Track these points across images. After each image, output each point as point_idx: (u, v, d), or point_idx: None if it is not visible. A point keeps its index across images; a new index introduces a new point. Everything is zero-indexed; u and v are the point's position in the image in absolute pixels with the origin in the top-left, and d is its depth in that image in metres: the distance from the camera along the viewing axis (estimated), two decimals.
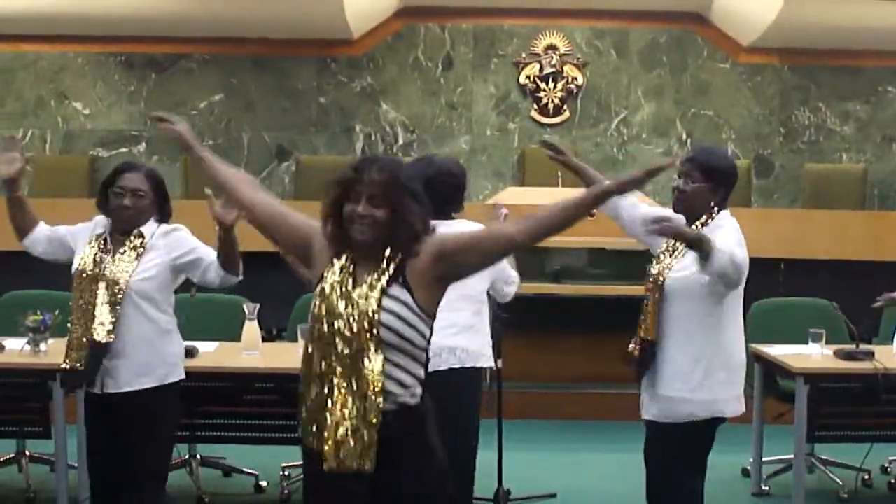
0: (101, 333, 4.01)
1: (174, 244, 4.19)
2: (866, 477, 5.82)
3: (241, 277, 4.26)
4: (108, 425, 4.08)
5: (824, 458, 5.94)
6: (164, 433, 4.18)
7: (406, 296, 2.90)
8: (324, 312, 2.91)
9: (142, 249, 4.11)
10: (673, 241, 4.08)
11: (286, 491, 5.54)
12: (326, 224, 3.02)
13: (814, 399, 5.17)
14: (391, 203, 2.91)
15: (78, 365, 4.04)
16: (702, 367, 3.98)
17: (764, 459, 5.80)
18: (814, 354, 5.37)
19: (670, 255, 4.10)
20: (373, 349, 2.86)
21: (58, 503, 4.99)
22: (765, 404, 5.80)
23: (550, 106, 10.39)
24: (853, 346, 5.42)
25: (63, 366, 4.09)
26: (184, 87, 10.39)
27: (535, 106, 10.40)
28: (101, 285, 4.03)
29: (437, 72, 10.42)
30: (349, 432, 2.85)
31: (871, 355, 5.29)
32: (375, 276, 2.91)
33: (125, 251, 4.10)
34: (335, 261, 2.98)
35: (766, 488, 5.75)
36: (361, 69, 10.40)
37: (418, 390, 2.94)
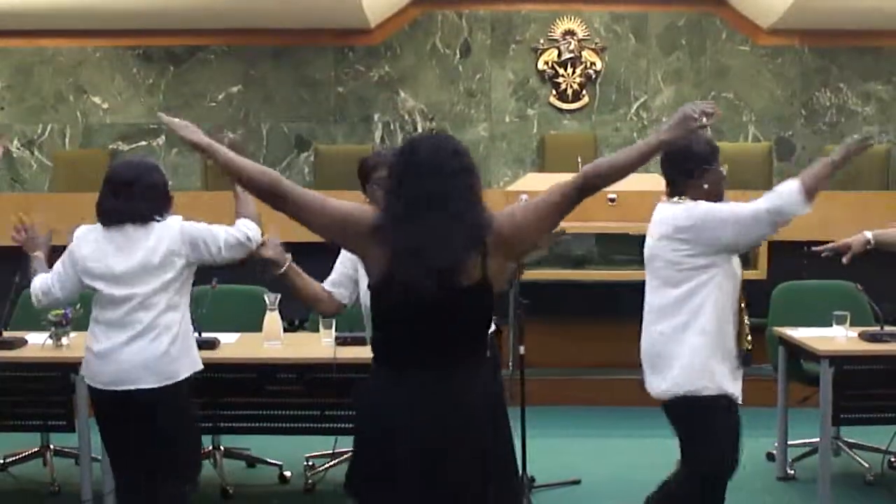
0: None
1: (192, 232, 4.24)
2: (893, 459, 5.79)
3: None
4: (131, 421, 4.06)
5: (850, 441, 5.91)
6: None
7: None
8: (391, 295, 2.94)
9: (146, 246, 4.12)
10: None
11: (310, 481, 5.55)
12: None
13: (839, 381, 5.13)
14: (461, 179, 2.96)
15: None
16: (686, 363, 4.05)
17: (788, 443, 5.77)
18: (838, 337, 5.32)
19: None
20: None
21: (82, 496, 5.01)
22: (789, 387, 5.76)
23: (569, 91, 10.34)
24: (878, 328, 5.39)
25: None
26: (202, 79, 10.40)
27: (554, 92, 10.36)
28: None
29: (454, 59, 10.39)
30: None
31: (895, 337, 5.25)
32: None
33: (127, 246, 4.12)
34: None
35: (792, 472, 5.72)
36: (379, 58, 10.38)
37: (488, 352, 3.09)
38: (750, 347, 4.10)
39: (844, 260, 4.42)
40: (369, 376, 3.10)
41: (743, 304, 4.09)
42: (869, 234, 4.49)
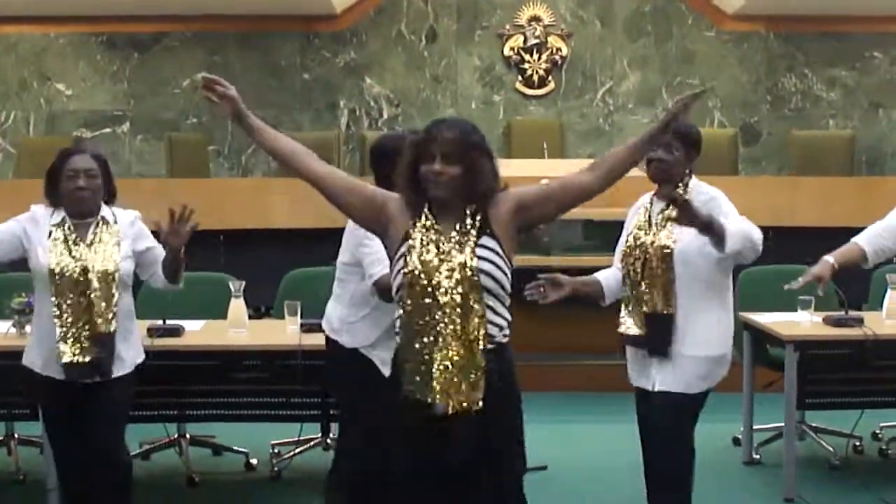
0: (104, 325, 4.04)
1: (139, 235, 4.23)
2: (857, 444, 5.81)
3: (181, 286, 4.28)
4: (77, 412, 4.09)
5: (815, 425, 5.92)
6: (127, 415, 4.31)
7: (495, 244, 3.14)
8: (419, 269, 3.10)
9: (119, 236, 4.13)
10: (650, 214, 4.14)
11: (276, 468, 5.52)
12: (404, 188, 3.20)
13: (803, 366, 5.14)
14: (464, 159, 3.11)
15: (85, 359, 4.04)
16: (717, 332, 4.09)
17: (754, 428, 5.79)
18: (803, 322, 5.32)
19: (655, 227, 4.11)
20: (475, 296, 3.08)
21: (47, 485, 4.95)
22: (754, 372, 5.78)
23: (535, 77, 10.35)
24: (842, 313, 5.39)
25: (67, 360, 4.05)
26: (167, 65, 10.33)
27: (520, 78, 10.36)
28: (93, 278, 4.04)
29: (420, 45, 10.36)
30: (458, 376, 3.07)
31: (860, 321, 5.26)
32: (463, 229, 3.13)
33: (101, 239, 4.11)
34: (417, 222, 3.16)
35: (758, 457, 5.74)
36: (345, 44, 10.35)
37: (508, 331, 3.19)
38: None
39: (820, 292, 4.46)
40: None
41: None
42: (831, 259, 4.52)
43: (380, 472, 3.60)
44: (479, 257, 3.10)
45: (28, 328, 5.00)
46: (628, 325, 4.15)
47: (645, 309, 4.09)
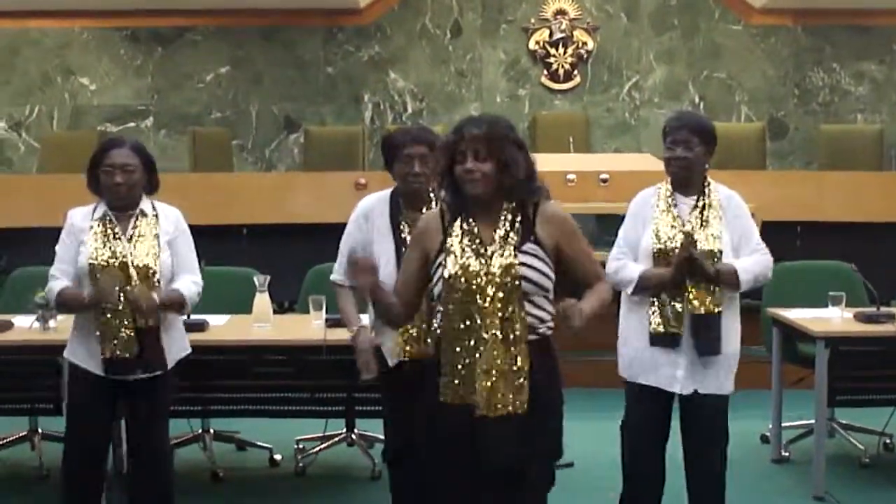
0: (145, 320, 4.02)
1: (175, 236, 4.19)
2: (888, 441, 5.74)
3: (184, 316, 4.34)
4: (115, 407, 4.11)
5: (845, 422, 5.85)
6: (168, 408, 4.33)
7: (537, 248, 3.12)
8: (460, 272, 3.09)
9: (157, 230, 4.12)
10: (678, 213, 4.17)
11: (301, 464, 5.49)
12: (444, 191, 3.22)
13: (834, 363, 5.06)
14: (494, 153, 3.08)
15: (126, 354, 4.03)
16: (738, 331, 4.19)
17: (783, 425, 5.72)
18: (833, 318, 5.25)
19: (681, 225, 4.13)
20: (516, 299, 3.06)
21: None
22: (783, 369, 5.71)
23: (561, 72, 10.29)
24: (873, 309, 5.32)
25: (108, 355, 4.04)
26: (190, 60, 10.32)
27: (546, 72, 10.30)
28: (133, 273, 4.02)
29: (445, 39, 10.32)
30: (500, 380, 3.05)
31: (892, 318, 5.18)
32: (504, 231, 3.12)
33: (141, 233, 4.09)
34: (454, 224, 3.16)
35: (786, 454, 5.67)
36: (369, 38, 10.31)
37: (551, 324, 3.16)
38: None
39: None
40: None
41: None
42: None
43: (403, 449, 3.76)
44: (522, 263, 3.08)
45: (52, 322, 5.00)
46: (657, 322, 4.11)
47: (693, 308, 4.07)
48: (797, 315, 5.41)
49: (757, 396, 5.80)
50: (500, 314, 3.06)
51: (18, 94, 10.34)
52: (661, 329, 4.11)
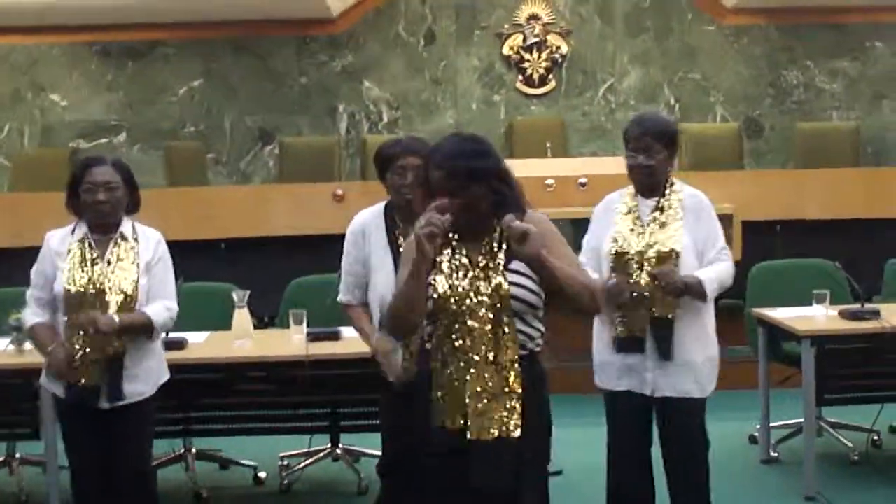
0: (118, 347, 3.93)
1: (155, 267, 4.08)
2: (876, 438, 5.72)
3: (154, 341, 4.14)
4: (99, 435, 3.99)
5: (832, 420, 5.83)
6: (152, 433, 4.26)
7: (523, 267, 3.02)
8: (449, 293, 3.03)
9: (137, 255, 4.02)
10: (638, 215, 4.15)
11: (286, 481, 5.43)
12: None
13: (821, 361, 5.04)
14: (457, 193, 2.99)
15: (94, 382, 3.93)
16: (711, 333, 4.15)
17: (770, 425, 5.69)
18: (818, 316, 5.23)
19: (640, 228, 4.12)
20: (506, 320, 3.01)
21: None
22: (768, 368, 5.69)
23: (535, 76, 10.24)
24: (858, 306, 5.30)
25: (80, 383, 3.94)
26: (162, 73, 10.23)
27: (521, 77, 10.25)
28: (112, 299, 3.93)
29: (419, 47, 10.26)
30: (492, 401, 2.99)
31: (877, 314, 5.18)
32: (490, 253, 3.06)
33: (120, 258, 4.00)
34: (443, 245, 3.05)
35: (775, 454, 5.64)
36: (342, 47, 10.25)
37: (540, 341, 3.12)
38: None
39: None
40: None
41: None
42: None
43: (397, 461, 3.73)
44: (511, 282, 3.02)
45: (27, 345, 4.91)
46: (620, 329, 4.10)
47: (655, 312, 4.04)
48: (782, 314, 5.39)
49: (742, 397, 5.79)
50: (490, 335, 3.01)
51: None
52: (624, 335, 4.09)
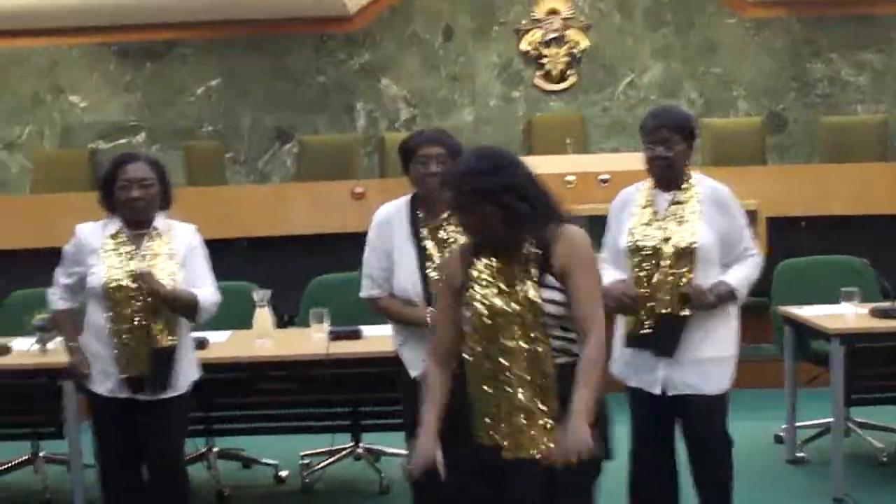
0: (163, 340, 3.99)
1: (190, 258, 4.12)
2: None
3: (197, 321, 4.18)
4: (133, 431, 4.03)
5: (860, 420, 5.74)
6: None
7: (554, 280, 2.98)
8: (484, 310, 3.00)
9: (172, 249, 4.06)
10: (655, 209, 4.09)
11: (307, 479, 5.41)
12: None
13: (850, 360, 4.93)
14: (469, 212, 2.98)
15: (142, 374, 3.99)
16: (725, 330, 4.07)
17: (797, 425, 5.61)
18: (848, 314, 5.11)
19: (665, 222, 4.05)
20: (542, 336, 2.96)
21: (74, 503, 4.86)
22: (795, 367, 5.60)
23: (555, 72, 10.17)
24: (889, 304, 5.19)
25: (124, 376, 4.00)
26: (180, 74, 10.22)
27: (539, 73, 10.18)
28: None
29: (436, 44, 10.21)
30: (528, 419, 2.96)
31: None
32: (524, 269, 2.99)
33: (156, 253, 4.02)
34: (476, 260, 3.05)
35: (802, 454, 5.55)
36: (359, 46, 10.20)
37: (575, 349, 2.99)
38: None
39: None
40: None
41: None
42: None
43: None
44: (545, 299, 2.96)
45: (51, 345, 4.92)
46: (631, 324, 4.06)
47: (661, 308, 3.99)
48: (810, 312, 5.29)
49: (768, 396, 5.73)
50: (525, 353, 2.96)
51: (9, 114, 10.22)
52: (634, 330, 4.05)
